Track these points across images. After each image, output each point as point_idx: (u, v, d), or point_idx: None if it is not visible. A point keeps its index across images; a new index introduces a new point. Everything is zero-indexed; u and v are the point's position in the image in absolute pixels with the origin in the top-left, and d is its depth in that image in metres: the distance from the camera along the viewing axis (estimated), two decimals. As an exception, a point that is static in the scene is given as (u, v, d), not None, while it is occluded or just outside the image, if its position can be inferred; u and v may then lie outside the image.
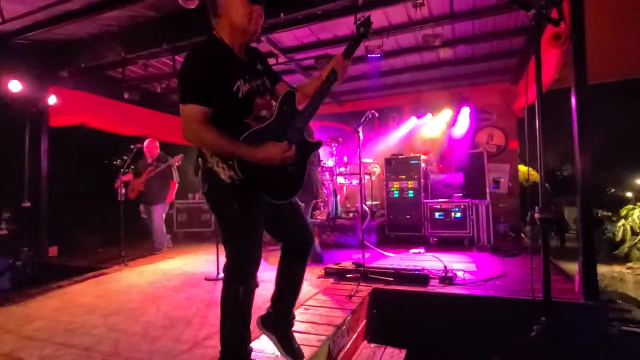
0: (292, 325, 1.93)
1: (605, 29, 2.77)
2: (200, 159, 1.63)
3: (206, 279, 3.63)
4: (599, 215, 8.64)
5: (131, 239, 5.08)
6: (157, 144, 5.30)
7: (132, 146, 4.93)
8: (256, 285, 1.71)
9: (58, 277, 3.86)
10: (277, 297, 1.91)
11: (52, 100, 5.05)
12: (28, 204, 4.64)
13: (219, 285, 3.51)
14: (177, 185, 5.37)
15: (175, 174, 5.32)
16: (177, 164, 5.21)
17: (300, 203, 1.87)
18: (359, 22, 1.71)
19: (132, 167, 5.09)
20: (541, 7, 1.76)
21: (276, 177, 1.61)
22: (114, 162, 7.36)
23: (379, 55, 4.59)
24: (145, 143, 5.19)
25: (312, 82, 1.78)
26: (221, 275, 3.57)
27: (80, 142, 5.63)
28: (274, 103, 1.73)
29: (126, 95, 5.63)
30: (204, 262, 4.53)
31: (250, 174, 1.52)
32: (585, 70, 2.63)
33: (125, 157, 5.12)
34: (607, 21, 2.78)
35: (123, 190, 4.66)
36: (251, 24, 1.57)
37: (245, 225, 1.62)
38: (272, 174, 1.58)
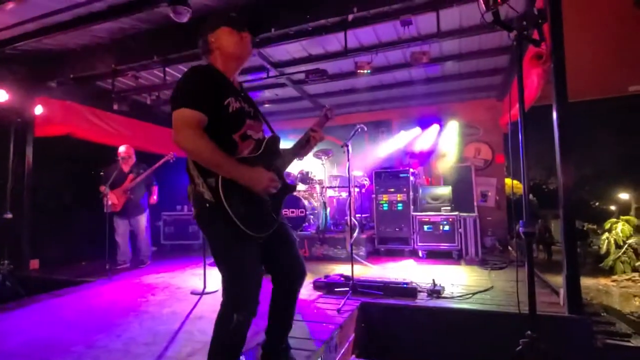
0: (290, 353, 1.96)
1: (584, 51, 2.88)
2: (191, 185, 1.62)
3: (192, 293, 3.56)
4: (585, 228, 8.79)
5: (116, 252, 4.97)
6: (133, 150, 5.08)
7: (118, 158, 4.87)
8: (254, 313, 1.61)
9: (39, 291, 3.74)
10: (271, 333, 1.91)
11: (38, 110, 5.00)
12: (10, 215, 4.52)
13: (206, 299, 3.45)
14: (157, 188, 5.24)
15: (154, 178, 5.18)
16: (171, 160, 4.89)
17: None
18: (327, 109, 2.12)
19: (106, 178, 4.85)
20: (522, 28, 1.83)
21: (255, 209, 1.59)
22: (101, 173, 7.25)
23: (368, 71, 4.68)
24: (124, 149, 4.92)
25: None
26: (207, 289, 3.54)
27: (66, 153, 5.53)
28: (263, 131, 1.79)
29: (115, 107, 5.60)
30: (191, 275, 4.46)
31: (230, 200, 1.50)
32: (566, 89, 2.73)
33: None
34: (586, 43, 2.90)
35: (109, 202, 4.58)
36: (244, 49, 1.72)
37: (237, 250, 1.58)
38: (251, 205, 1.57)
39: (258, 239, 1.63)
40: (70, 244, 5.58)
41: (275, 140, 1.79)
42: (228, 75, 1.71)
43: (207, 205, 1.53)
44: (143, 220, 5.08)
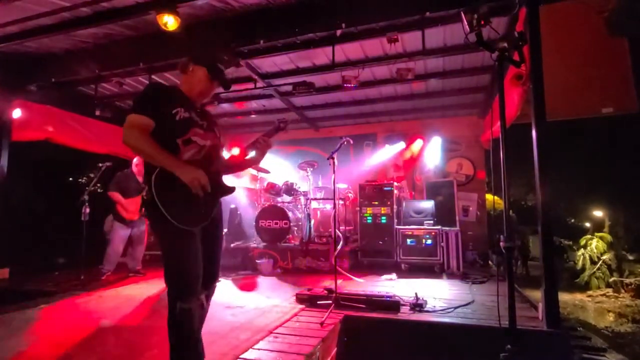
0: None
1: (560, 72, 3.01)
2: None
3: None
4: (561, 244, 9.04)
5: (93, 262, 4.78)
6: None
7: (100, 164, 4.74)
8: (201, 305, 1.74)
9: (7, 303, 3.56)
10: None
11: (16, 113, 4.85)
12: (-21, 222, 4.33)
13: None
14: None
15: None
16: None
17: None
18: (280, 121, 2.19)
19: (100, 185, 4.79)
20: (504, 49, 1.90)
21: (185, 204, 1.68)
22: (79, 180, 7.05)
23: (354, 85, 4.75)
24: (138, 159, 4.89)
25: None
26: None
27: (43, 158, 5.37)
28: (211, 139, 1.88)
29: (98, 112, 5.49)
30: (170, 287, 4.33)
31: (161, 195, 1.64)
32: (544, 108, 2.84)
33: (92, 175, 4.88)
34: (561, 65, 3.03)
35: (87, 210, 4.42)
36: (206, 92, 1.95)
37: (175, 242, 1.70)
38: (182, 200, 1.67)
39: (192, 231, 1.73)
40: (44, 252, 5.37)
41: (216, 147, 1.91)
42: (189, 97, 1.88)
43: (147, 201, 1.68)
44: (144, 228, 5.02)
